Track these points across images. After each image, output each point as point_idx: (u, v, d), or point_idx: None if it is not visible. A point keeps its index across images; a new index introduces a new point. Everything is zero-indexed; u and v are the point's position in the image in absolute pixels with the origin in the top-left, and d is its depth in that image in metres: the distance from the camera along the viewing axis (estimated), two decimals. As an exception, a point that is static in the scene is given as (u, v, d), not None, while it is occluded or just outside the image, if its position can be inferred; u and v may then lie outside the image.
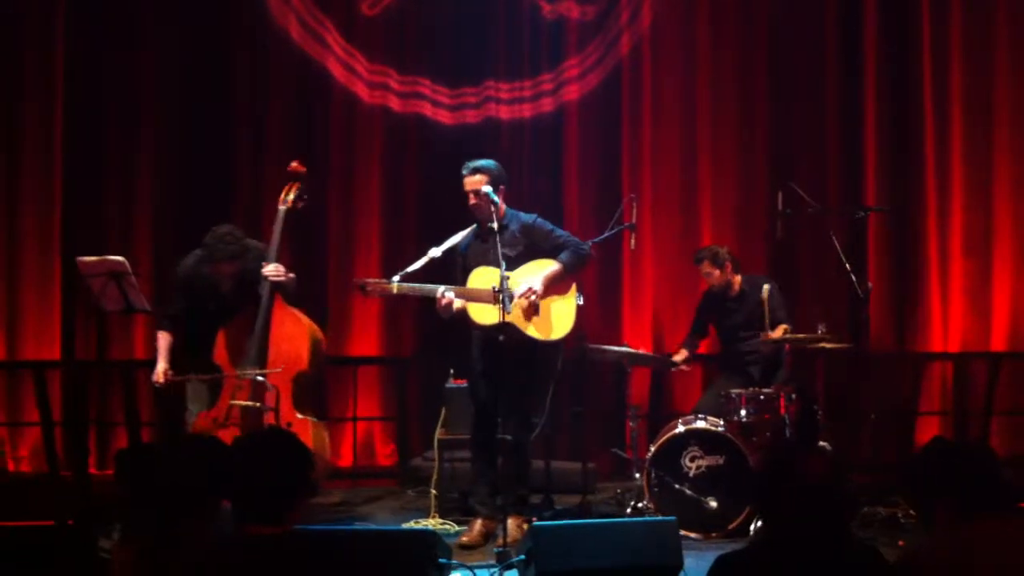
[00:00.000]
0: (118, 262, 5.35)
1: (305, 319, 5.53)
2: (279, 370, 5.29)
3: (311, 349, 5.42)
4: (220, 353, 5.44)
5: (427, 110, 7.52)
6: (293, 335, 5.40)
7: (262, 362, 5.31)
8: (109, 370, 7.01)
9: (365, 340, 7.44)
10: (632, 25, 7.52)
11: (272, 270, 5.36)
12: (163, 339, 5.53)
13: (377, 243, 7.45)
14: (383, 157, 7.50)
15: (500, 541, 4.83)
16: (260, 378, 5.25)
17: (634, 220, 6.05)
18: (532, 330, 5.35)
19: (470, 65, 7.52)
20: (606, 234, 6.08)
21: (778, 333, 5.85)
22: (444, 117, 7.53)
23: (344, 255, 7.46)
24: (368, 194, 7.48)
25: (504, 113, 7.51)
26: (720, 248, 6.38)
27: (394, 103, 7.51)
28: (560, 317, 5.38)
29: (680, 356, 6.35)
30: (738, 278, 6.35)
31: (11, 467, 7.19)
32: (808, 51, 7.55)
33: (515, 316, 5.16)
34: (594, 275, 7.30)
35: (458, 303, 5.32)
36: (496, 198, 5.27)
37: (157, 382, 5.45)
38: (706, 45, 7.52)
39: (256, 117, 7.41)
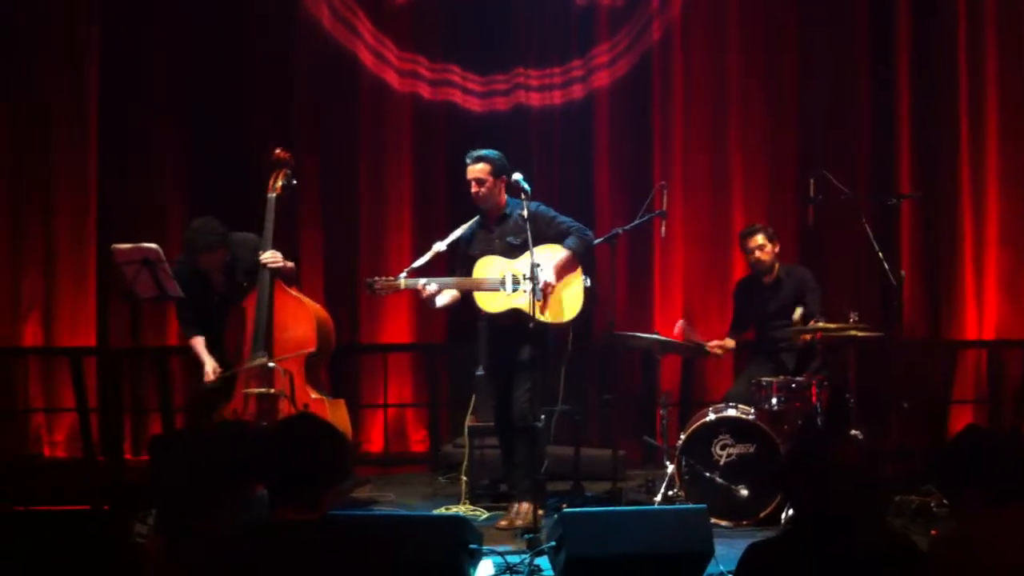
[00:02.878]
0: (152, 249, 5.40)
1: (308, 300, 5.60)
2: (288, 357, 5.35)
3: (317, 328, 5.48)
4: (229, 345, 5.54)
5: (457, 97, 7.52)
6: (297, 318, 5.47)
7: (269, 348, 5.39)
8: (143, 357, 7.07)
9: (397, 327, 7.46)
10: (663, 11, 7.48)
11: (269, 256, 5.44)
12: (198, 342, 5.68)
13: (408, 230, 7.44)
14: (413, 145, 7.50)
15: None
16: (271, 364, 5.32)
17: (665, 207, 6.01)
18: (544, 315, 5.39)
19: (500, 52, 7.51)
20: (637, 221, 6.06)
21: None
22: (474, 105, 7.53)
23: (375, 242, 7.46)
24: (399, 182, 7.48)
25: (534, 100, 7.50)
26: (769, 227, 6.36)
27: (424, 91, 7.50)
28: (570, 300, 5.46)
29: (729, 343, 6.35)
30: (777, 264, 6.33)
31: (47, 452, 7.28)
32: (840, 37, 7.47)
33: (528, 303, 5.20)
34: (624, 263, 7.29)
35: (446, 297, 5.41)
36: (526, 185, 5.28)
37: (208, 380, 5.57)
38: (736, 31, 7.46)
39: (285, 105, 7.39)
